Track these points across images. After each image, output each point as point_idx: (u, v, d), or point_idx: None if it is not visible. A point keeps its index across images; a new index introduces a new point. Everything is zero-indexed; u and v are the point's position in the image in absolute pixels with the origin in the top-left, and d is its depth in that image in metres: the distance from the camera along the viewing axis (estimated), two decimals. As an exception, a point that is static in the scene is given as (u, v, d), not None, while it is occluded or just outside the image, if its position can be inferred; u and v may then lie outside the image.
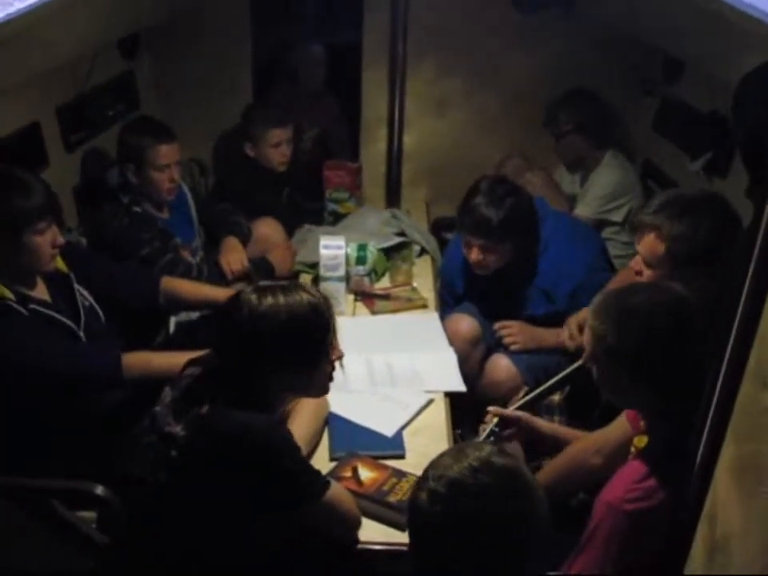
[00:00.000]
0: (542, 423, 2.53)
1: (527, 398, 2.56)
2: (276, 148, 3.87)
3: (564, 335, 2.96)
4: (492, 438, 2.39)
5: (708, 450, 1.60)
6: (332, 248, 3.20)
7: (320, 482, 2.02)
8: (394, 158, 4.23)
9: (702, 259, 2.36)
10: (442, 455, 1.67)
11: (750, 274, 1.39)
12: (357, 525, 2.11)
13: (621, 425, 2.28)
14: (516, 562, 1.57)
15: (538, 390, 2.56)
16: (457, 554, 1.56)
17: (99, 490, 2.11)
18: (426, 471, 1.64)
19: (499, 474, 1.58)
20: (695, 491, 1.64)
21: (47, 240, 2.44)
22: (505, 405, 2.60)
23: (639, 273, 2.50)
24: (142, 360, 2.57)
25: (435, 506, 1.56)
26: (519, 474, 1.62)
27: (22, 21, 2.32)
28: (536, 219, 3.07)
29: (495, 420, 2.47)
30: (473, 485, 1.55)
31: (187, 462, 1.92)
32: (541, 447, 2.55)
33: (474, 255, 3.03)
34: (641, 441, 2.10)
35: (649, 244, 2.44)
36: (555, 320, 3.07)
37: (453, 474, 1.57)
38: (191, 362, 2.15)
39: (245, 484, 1.91)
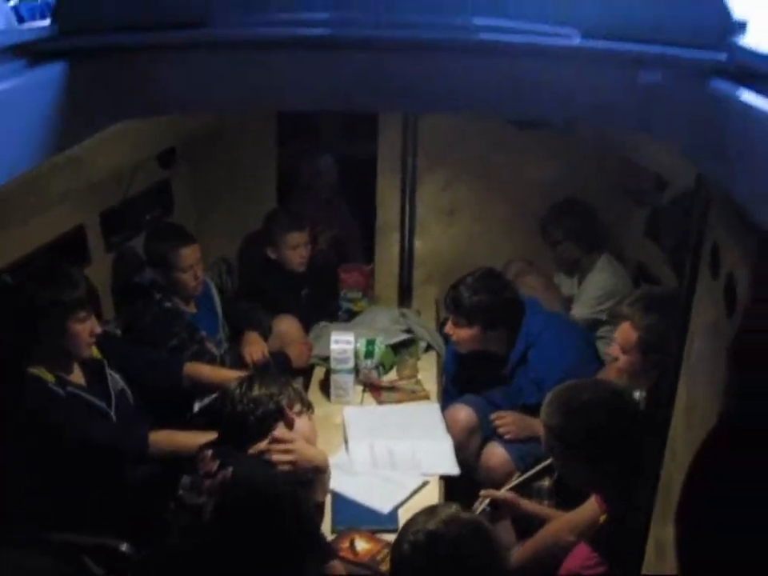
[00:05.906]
0: (526, 503, 2.79)
1: (515, 482, 2.86)
2: (294, 250, 4.15)
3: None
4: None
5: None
6: (341, 342, 3.47)
7: (329, 548, 2.27)
8: (406, 261, 4.49)
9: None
10: (417, 514, 1.96)
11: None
12: None
13: (590, 506, 2.54)
14: None
15: (523, 476, 2.88)
16: None
17: (124, 547, 2.36)
18: (404, 528, 1.93)
19: (466, 525, 1.89)
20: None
21: (87, 328, 2.76)
22: (498, 489, 2.87)
23: (616, 358, 2.76)
24: (167, 437, 2.89)
25: (417, 554, 1.85)
26: (482, 525, 1.93)
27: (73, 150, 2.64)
28: (514, 319, 3.33)
29: (486, 501, 2.74)
30: (446, 535, 1.84)
31: (220, 524, 2.02)
32: (529, 527, 2.81)
33: (447, 327, 3.39)
34: (604, 519, 2.35)
35: (624, 331, 2.72)
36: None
37: (429, 527, 1.86)
38: (203, 447, 2.43)
39: (268, 537, 1.97)
